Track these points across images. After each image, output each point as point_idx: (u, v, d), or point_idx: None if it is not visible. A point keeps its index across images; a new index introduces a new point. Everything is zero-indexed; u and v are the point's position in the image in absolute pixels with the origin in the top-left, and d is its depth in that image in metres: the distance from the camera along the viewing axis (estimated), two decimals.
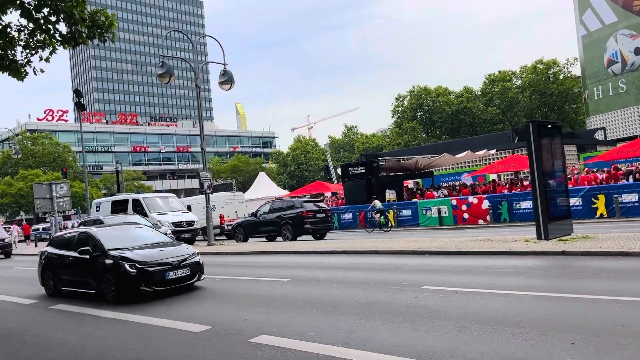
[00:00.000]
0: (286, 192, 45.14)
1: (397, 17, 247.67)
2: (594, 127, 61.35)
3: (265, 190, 40.62)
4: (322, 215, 21.55)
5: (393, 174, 34.19)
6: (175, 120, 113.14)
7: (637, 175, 24.06)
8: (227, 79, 22.49)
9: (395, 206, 28.79)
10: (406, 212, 28.47)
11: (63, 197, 29.14)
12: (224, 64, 22.91)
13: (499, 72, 79.68)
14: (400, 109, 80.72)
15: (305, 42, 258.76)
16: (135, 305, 9.44)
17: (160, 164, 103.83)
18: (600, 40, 62.68)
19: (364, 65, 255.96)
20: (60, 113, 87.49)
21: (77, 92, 27.69)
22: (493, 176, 39.04)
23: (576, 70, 75.49)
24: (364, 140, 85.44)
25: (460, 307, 7.15)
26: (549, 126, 12.64)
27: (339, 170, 45.86)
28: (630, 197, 21.10)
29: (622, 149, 25.03)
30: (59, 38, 11.12)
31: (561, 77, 76.15)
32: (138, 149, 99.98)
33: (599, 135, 56.40)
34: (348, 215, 31.20)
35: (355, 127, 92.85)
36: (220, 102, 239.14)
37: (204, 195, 21.65)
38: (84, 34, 11.28)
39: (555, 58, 75.96)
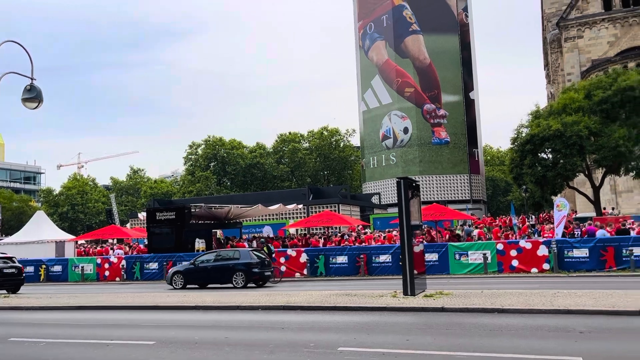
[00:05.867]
0: (70, 235, 39.15)
1: (180, 66, 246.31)
2: (370, 192, 68.78)
3: (45, 232, 34.49)
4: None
5: (202, 222, 32.51)
6: None
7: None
8: (34, 96, 18.67)
9: None
10: None
11: None
12: (32, 78, 19.08)
13: (290, 133, 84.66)
14: (193, 156, 79.02)
15: (77, 75, 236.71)
16: None
17: None
18: (378, 117, 71.82)
19: (144, 108, 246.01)
20: None
21: None
22: (292, 230, 40.17)
23: (354, 141, 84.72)
24: (151, 185, 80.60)
25: None
26: (414, 184, 13.31)
27: (141, 215, 41.91)
28: (431, 257, 23.38)
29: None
30: None
31: (342, 144, 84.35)
32: None
33: (375, 200, 63.32)
34: (153, 265, 28.22)
35: (143, 170, 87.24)
36: None
37: None
38: None
39: (337, 127, 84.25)
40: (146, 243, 32.10)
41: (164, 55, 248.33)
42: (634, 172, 30.38)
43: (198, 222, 32.08)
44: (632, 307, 10.03)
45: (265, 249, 24.60)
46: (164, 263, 27.77)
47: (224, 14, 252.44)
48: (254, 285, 20.83)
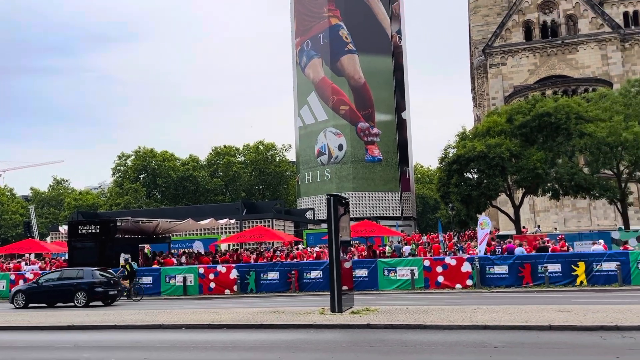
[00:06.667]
0: None
1: (111, 74, 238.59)
2: (304, 207, 69.02)
3: None
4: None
5: (129, 236, 31.31)
6: None
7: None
8: None
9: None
10: (147, 280, 26.08)
11: None
12: None
13: (225, 146, 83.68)
14: (122, 167, 76.21)
15: None
16: None
17: None
18: (313, 133, 72.53)
19: (71, 116, 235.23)
20: None
21: None
22: (224, 245, 39.50)
23: (290, 156, 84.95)
24: (76, 197, 76.73)
25: None
26: (344, 201, 13.48)
27: (62, 229, 39.73)
28: (361, 273, 23.66)
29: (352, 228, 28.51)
30: None
31: (277, 159, 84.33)
32: None
33: (309, 215, 63.59)
34: None
35: (67, 181, 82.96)
36: None
37: None
38: None
39: (273, 142, 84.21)
40: (66, 258, 30.44)
41: (95, 62, 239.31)
42: (550, 192, 32.36)
43: (124, 237, 30.91)
44: (543, 322, 10.60)
45: (127, 267, 24.21)
46: None
47: (160, 25, 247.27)
48: (101, 304, 20.85)
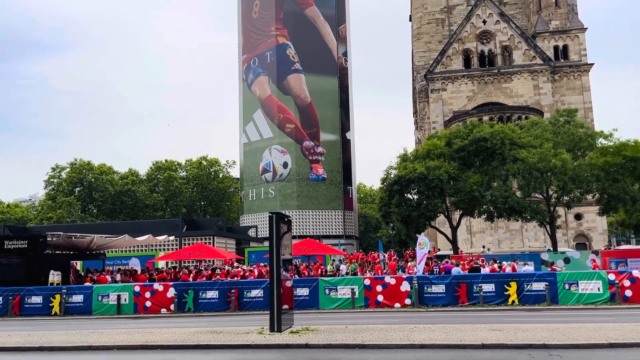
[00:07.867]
0: None
1: (48, 82, 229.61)
2: (247, 224, 68.21)
3: None
4: None
5: (60, 252, 29.83)
6: None
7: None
8: None
9: (64, 290, 24.83)
10: (77, 298, 24.85)
11: None
12: None
13: (166, 160, 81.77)
14: (56, 180, 72.76)
15: None
16: None
17: None
18: (258, 150, 72.14)
19: (0, 123, 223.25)
20: None
21: None
22: (162, 263, 38.35)
23: (234, 172, 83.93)
24: (3, 210, 72.43)
25: None
26: (287, 219, 13.45)
27: None
28: (302, 291, 23.59)
29: (295, 246, 28.39)
30: None
31: (221, 175, 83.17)
32: None
33: (252, 232, 62.89)
34: None
35: None
36: None
37: None
38: None
39: (217, 158, 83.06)
40: None
41: (30, 69, 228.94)
42: (486, 214, 33.63)
43: (55, 252, 29.43)
44: (477, 340, 10.93)
45: None
46: (10, 297, 24.85)
47: (105, 35, 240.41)
48: None
